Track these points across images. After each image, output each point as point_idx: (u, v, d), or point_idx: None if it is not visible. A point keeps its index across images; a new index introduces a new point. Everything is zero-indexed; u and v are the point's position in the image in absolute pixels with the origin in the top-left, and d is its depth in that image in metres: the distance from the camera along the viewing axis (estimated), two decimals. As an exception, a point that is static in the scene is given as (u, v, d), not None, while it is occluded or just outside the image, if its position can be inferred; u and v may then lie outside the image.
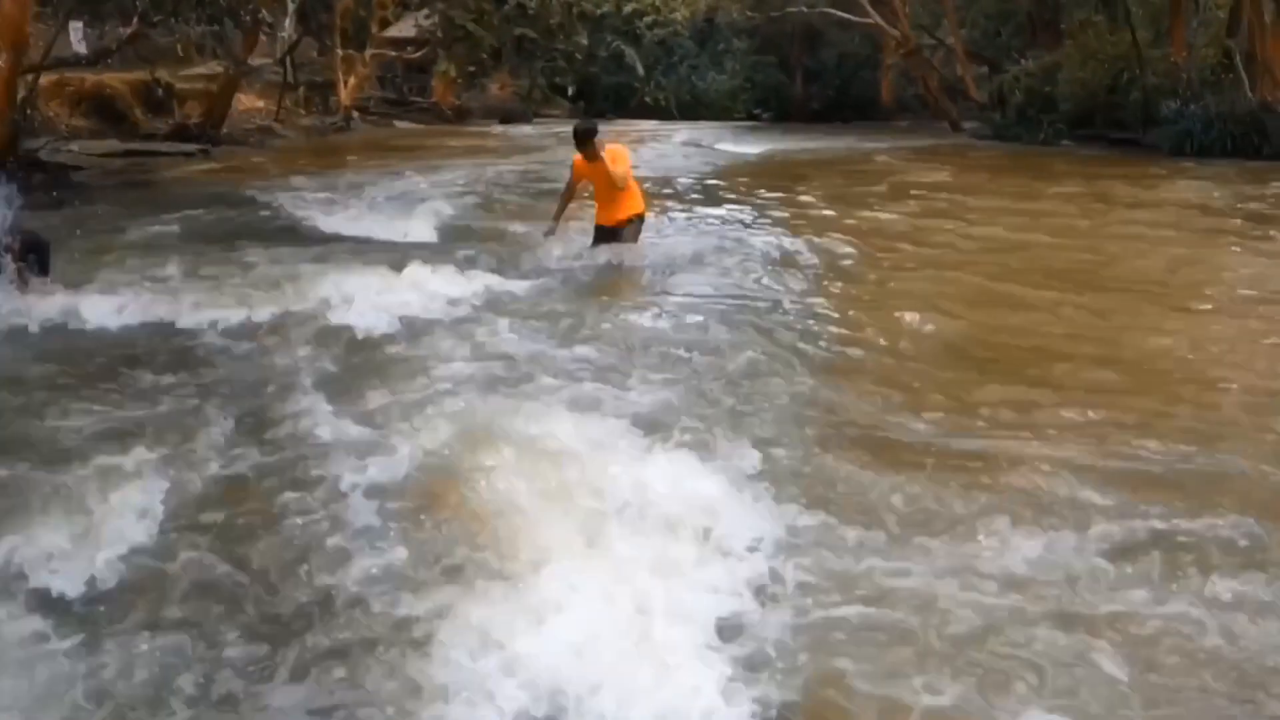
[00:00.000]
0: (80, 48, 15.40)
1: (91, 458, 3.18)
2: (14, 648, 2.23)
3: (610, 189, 6.50)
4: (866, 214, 9.44)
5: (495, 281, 5.96)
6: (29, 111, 12.40)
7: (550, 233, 6.82)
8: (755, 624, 2.33)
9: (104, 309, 5.07)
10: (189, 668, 2.19)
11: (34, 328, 4.85)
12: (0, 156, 9.34)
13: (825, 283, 6.30)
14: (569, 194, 6.86)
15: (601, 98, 31.48)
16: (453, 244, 7.76)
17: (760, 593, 2.46)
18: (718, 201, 10.46)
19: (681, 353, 4.50)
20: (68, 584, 2.48)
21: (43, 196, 8.41)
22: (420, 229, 8.23)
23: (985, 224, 8.75)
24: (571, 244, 6.81)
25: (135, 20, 14.74)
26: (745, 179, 12.78)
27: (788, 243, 7.67)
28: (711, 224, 8.84)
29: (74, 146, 13.33)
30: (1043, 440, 3.46)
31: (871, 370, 4.39)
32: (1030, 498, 2.99)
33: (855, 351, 4.67)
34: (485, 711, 2.02)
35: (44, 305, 5.06)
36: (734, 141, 20.14)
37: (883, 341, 4.84)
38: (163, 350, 4.58)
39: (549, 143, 18.23)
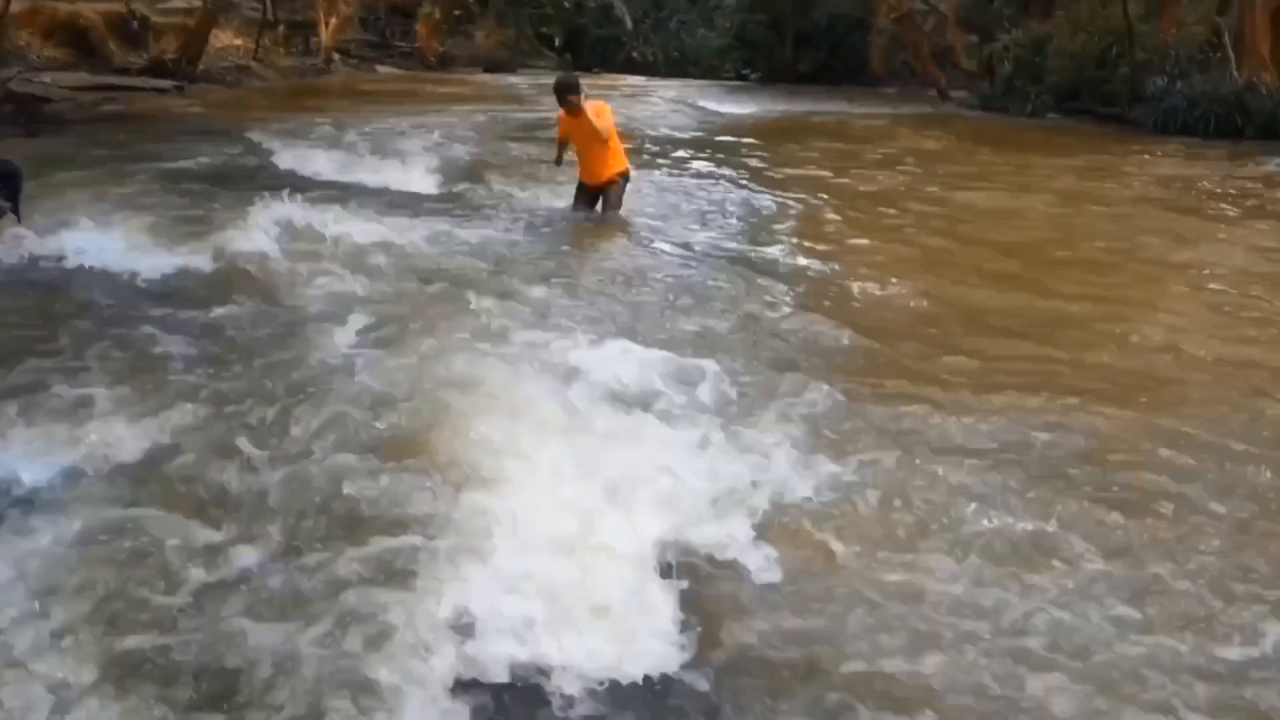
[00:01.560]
0: (53, -25, 14.95)
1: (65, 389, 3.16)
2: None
3: (593, 143, 6.51)
4: (851, 179, 9.43)
5: (478, 228, 5.96)
6: (-1, 39, 12.07)
7: (557, 163, 6.91)
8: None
9: (74, 243, 4.98)
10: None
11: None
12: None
13: (804, 242, 6.33)
14: (562, 146, 6.83)
15: (589, 50, 31.00)
16: (436, 190, 7.72)
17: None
18: (706, 161, 10.39)
19: (664, 300, 4.53)
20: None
21: (12, 128, 8.22)
22: (401, 175, 8.12)
23: (964, 193, 8.77)
24: (559, 197, 6.87)
25: (110, -52, 14.32)
26: (734, 139, 12.70)
27: (770, 203, 7.68)
28: (698, 183, 8.79)
29: (46, 78, 12.99)
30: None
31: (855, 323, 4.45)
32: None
33: (834, 304, 4.73)
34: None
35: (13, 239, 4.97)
36: (722, 101, 19.89)
37: (859, 299, 4.92)
38: (133, 286, 4.53)
39: (533, 93, 17.96)
